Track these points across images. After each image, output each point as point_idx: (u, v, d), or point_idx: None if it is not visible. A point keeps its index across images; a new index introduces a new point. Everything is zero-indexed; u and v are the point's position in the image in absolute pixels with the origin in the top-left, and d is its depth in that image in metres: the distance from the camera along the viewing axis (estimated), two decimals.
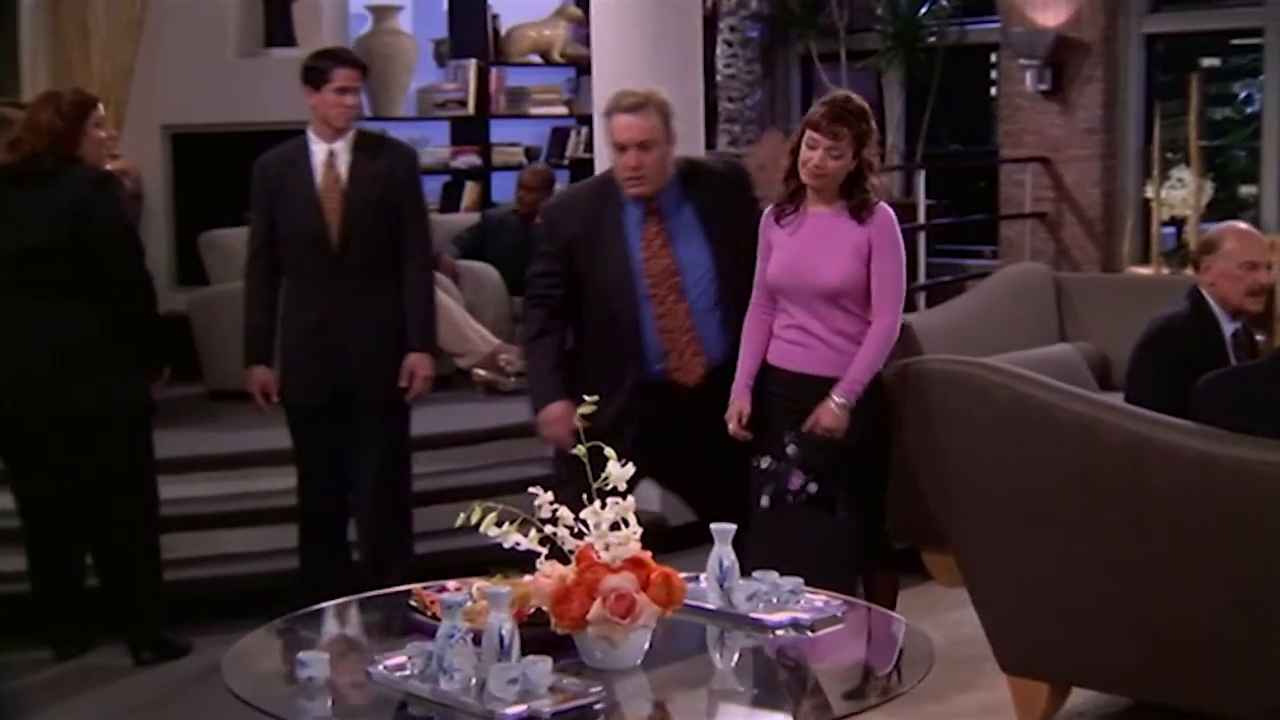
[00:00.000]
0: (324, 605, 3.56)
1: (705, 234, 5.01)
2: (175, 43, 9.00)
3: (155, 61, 8.99)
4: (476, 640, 2.99)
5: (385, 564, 5.68)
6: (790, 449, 4.84)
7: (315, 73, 5.76)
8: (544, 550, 3.13)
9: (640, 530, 3.09)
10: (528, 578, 3.17)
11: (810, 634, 3.34)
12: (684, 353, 4.98)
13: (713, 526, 3.44)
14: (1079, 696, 4.88)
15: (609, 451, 3.14)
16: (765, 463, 4.88)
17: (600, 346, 5.04)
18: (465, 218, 10.34)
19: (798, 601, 3.41)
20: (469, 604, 3.11)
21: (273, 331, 5.81)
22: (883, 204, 4.85)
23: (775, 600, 3.39)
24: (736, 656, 3.40)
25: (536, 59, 11.55)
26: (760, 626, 3.34)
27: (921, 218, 10.63)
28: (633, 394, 4.95)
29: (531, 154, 11.44)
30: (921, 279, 10.50)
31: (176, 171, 9.30)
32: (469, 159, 11.15)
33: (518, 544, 3.10)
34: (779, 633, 3.34)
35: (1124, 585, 4.36)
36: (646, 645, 3.08)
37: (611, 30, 7.56)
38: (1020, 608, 4.69)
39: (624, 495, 3.10)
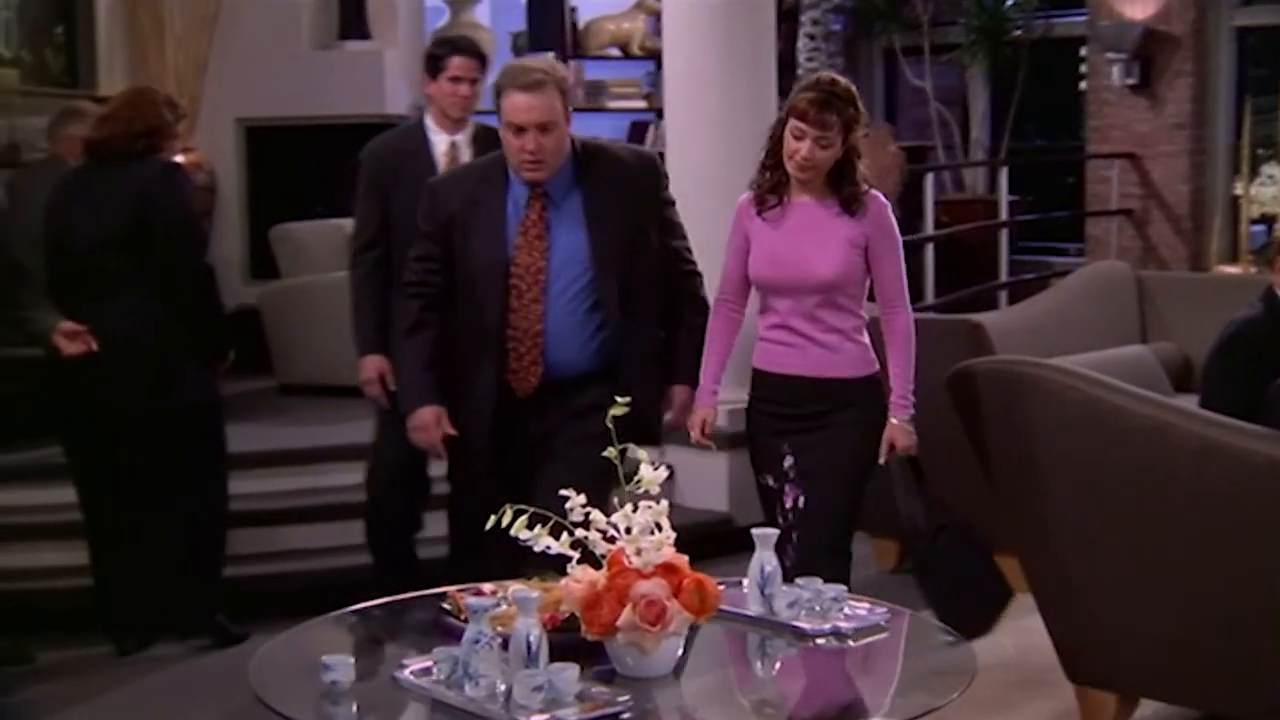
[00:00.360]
0: (357, 606, 3.50)
1: (589, 229, 4.47)
2: (249, 36, 9.03)
3: (229, 55, 9.01)
4: (507, 646, 2.92)
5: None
6: (788, 461, 4.52)
7: (432, 60, 5.64)
8: (575, 554, 3.04)
9: (674, 535, 2.99)
10: (563, 582, 3.08)
11: (852, 643, 3.23)
12: (524, 356, 4.47)
13: (754, 531, 3.34)
14: (1148, 708, 4.75)
15: (642, 454, 3.04)
16: (769, 480, 4.58)
17: (463, 341, 4.56)
18: None
19: (840, 609, 3.30)
20: (498, 609, 3.03)
21: (384, 322, 5.56)
22: (874, 193, 4.52)
23: (817, 608, 3.28)
24: (775, 665, 3.29)
25: (615, 52, 11.46)
26: (801, 635, 3.24)
27: (1004, 214, 10.48)
28: (489, 398, 4.51)
29: None
30: (1003, 276, 10.35)
31: (250, 165, 9.31)
32: None
33: (548, 547, 3.02)
34: (820, 641, 3.23)
35: (1193, 593, 4.25)
36: (679, 652, 2.99)
37: (682, 22, 7.49)
38: (1086, 615, 4.57)
39: (657, 499, 3.01)
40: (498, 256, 4.42)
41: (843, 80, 4.46)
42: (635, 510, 2.99)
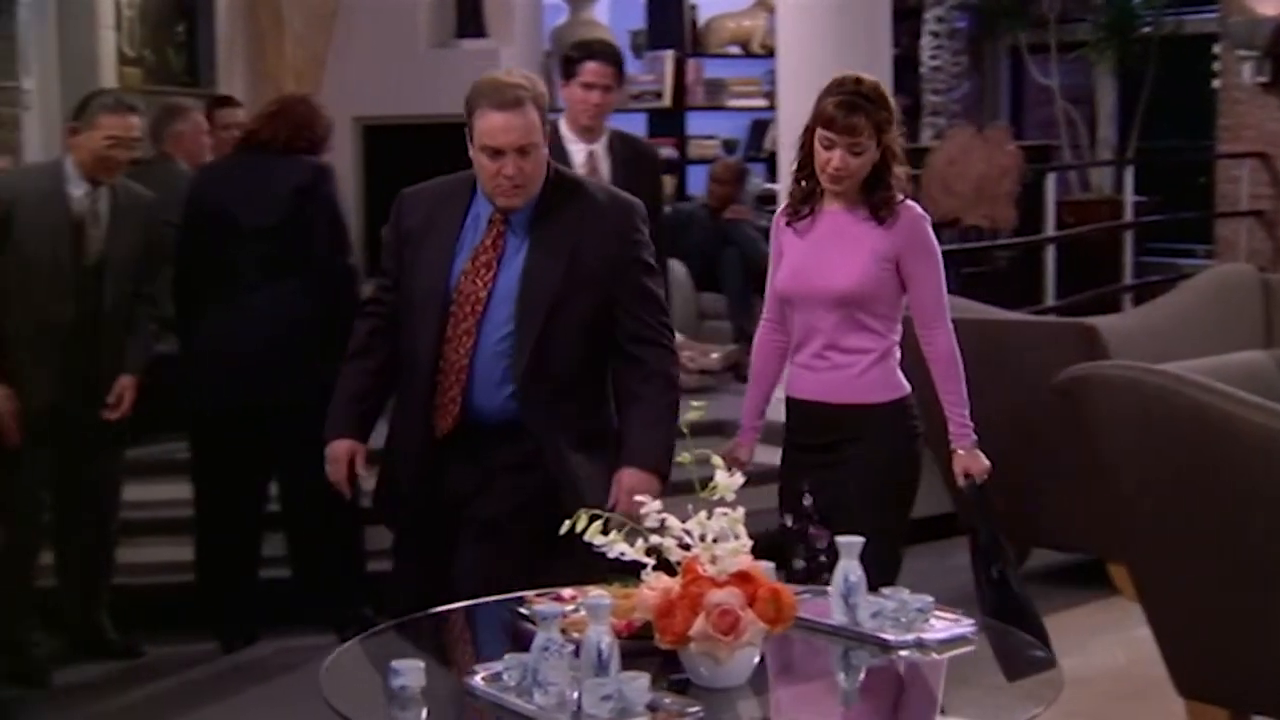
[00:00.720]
0: (440, 610, 3.47)
1: (538, 266, 4.00)
2: (367, 34, 9.07)
3: (347, 53, 9.06)
4: (580, 653, 2.87)
5: None
6: (806, 500, 4.23)
7: (567, 63, 5.56)
8: (651, 561, 2.99)
9: (750, 543, 2.93)
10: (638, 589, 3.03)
11: (936, 655, 3.15)
12: (447, 392, 4.02)
13: (839, 540, 3.26)
14: None
15: (716, 459, 2.98)
16: (790, 521, 4.29)
17: (402, 370, 4.17)
18: None
19: (926, 621, 3.21)
20: (568, 615, 2.98)
21: None
22: (909, 201, 4.21)
23: (902, 619, 3.20)
24: (858, 676, 3.22)
25: (736, 50, 11.42)
26: (884, 646, 3.16)
27: (1129, 215, 10.30)
28: (415, 435, 4.09)
29: (730, 147, 11.31)
30: (1128, 278, 10.17)
31: (367, 163, 9.35)
32: (665, 151, 11.04)
33: (622, 554, 2.96)
34: (903, 653, 3.15)
35: None
36: (754, 663, 2.92)
37: (796, 19, 7.43)
38: (1196, 628, 4.46)
39: (733, 506, 2.94)
40: (440, 281, 4.02)
41: (869, 78, 4.17)
42: (710, 517, 2.92)
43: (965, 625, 3.24)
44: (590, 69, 5.43)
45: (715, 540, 2.91)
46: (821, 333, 4.21)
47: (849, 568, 3.24)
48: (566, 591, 3.31)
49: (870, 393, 4.22)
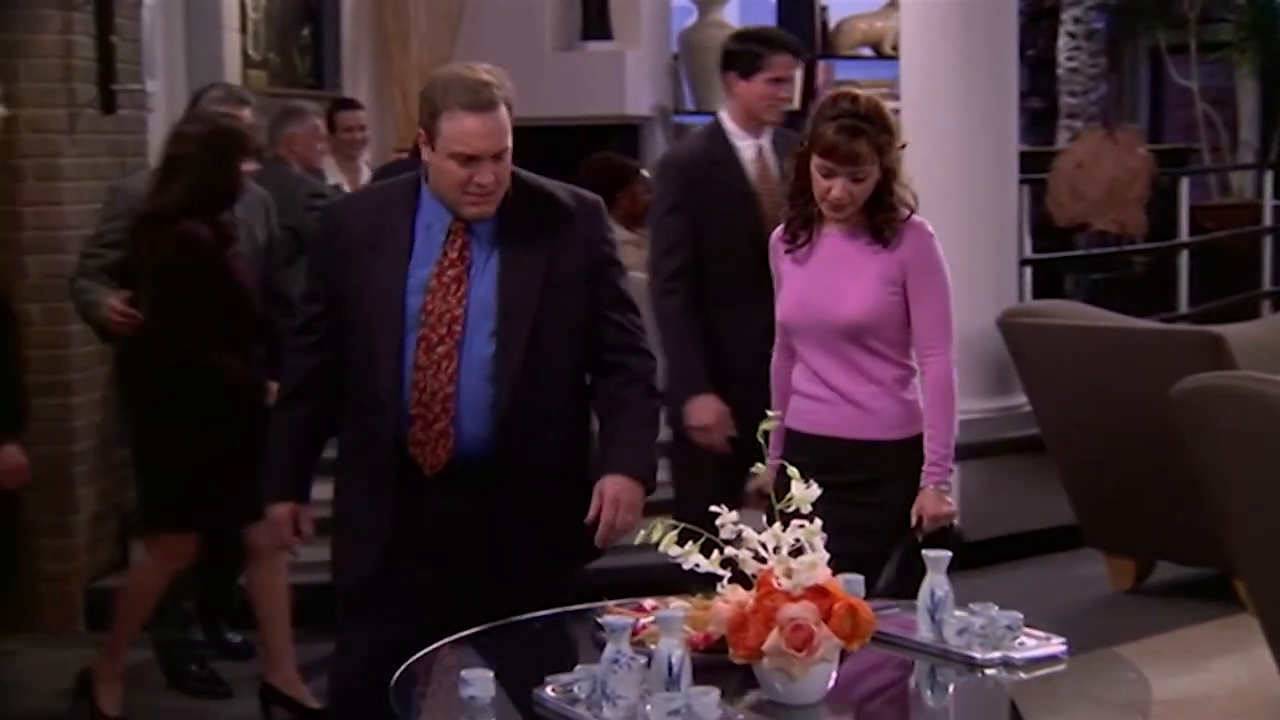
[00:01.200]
0: (516, 619, 3.43)
1: (514, 277, 3.63)
2: (492, 36, 9.08)
3: (473, 55, 8.94)
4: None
5: None
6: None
7: (746, 58, 5.16)
8: (726, 573, 2.93)
9: (827, 556, 2.86)
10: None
11: (1023, 674, 3.05)
12: (432, 425, 3.59)
13: (926, 553, 3.17)
14: None
15: (792, 471, 2.91)
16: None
17: (359, 412, 3.72)
18: None
19: (1015, 639, 3.11)
20: (646, 626, 2.94)
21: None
22: (915, 219, 3.95)
23: (989, 636, 3.11)
24: (934, 696, 3.13)
25: (867, 52, 11.30)
26: (969, 664, 3.07)
27: (1268, 219, 10.05)
28: (384, 482, 3.64)
29: None
30: (1266, 284, 9.92)
31: None
32: None
33: (697, 565, 2.91)
34: (988, 672, 3.06)
35: None
36: (831, 680, 2.85)
37: (921, 20, 7.33)
38: None
39: (809, 518, 2.87)
40: (398, 302, 3.58)
41: (864, 95, 3.92)
42: (785, 529, 2.86)
43: (1056, 644, 3.14)
44: (780, 62, 5.14)
45: (791, 553, 2.85)
46: (833, 364, 3.97)
47: (936, 582, 3.16)
48: (648, 602, 3.26)
49: (888, 427, 3.97)
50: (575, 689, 2.86)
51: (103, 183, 6.30)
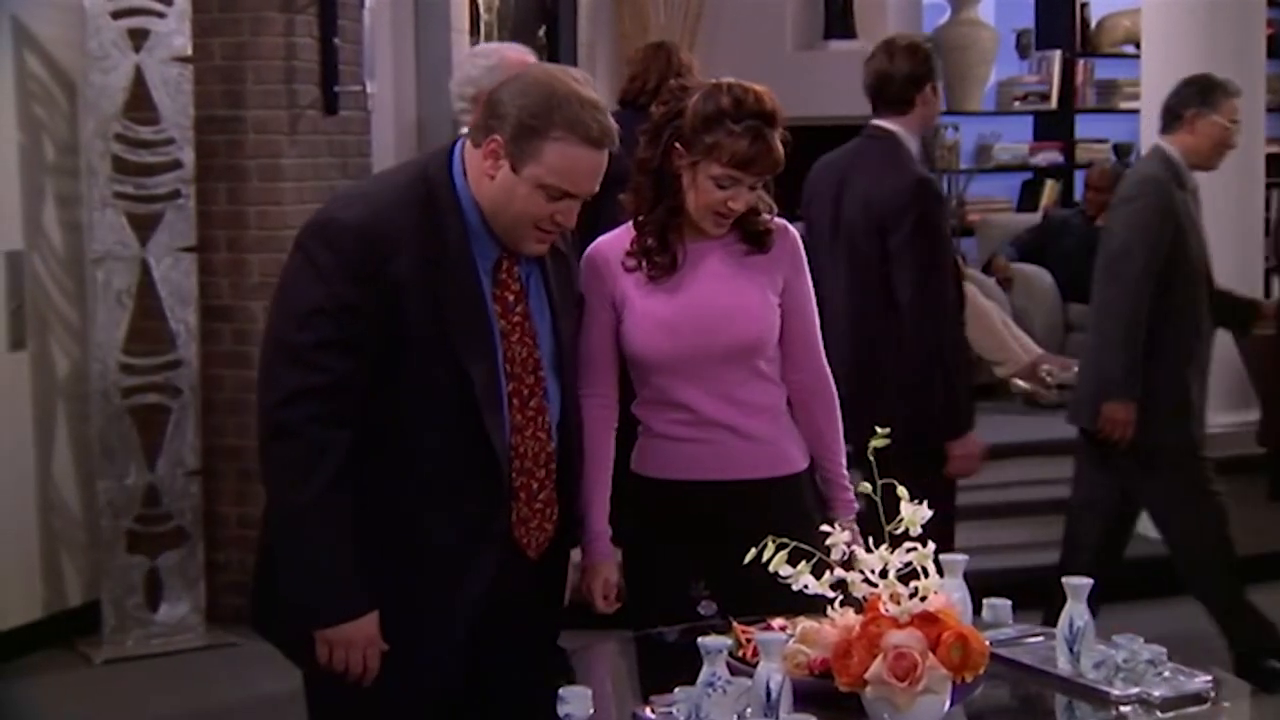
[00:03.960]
0: (645, 631, 3.33)
1: (562, 317, 3.25)
2: (732, 35, 9.00)
3: (713, 55, 8.96)
4: None
5: None
6: (704, 608, 3.30)
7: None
8: (838, 595, 2.79)
9: (939, 580, 2.70)
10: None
11: (1160, 714, 2.84)
12: (536, 497, 3.16)
13: (1065, 581, 2.98)
14: None
15: (901, 491, 2.74)
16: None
17: (438, 483, 3.07)
18: (1030, 218, 9.88)
19: (1158, 674, 2.90)
20: (737, 647, 2.83)
21: None
22: (781, 221, 3.51)
23: (1128, 671, 2.90)
24: None
25: (1130, 50, 10.88)
26: (1103, 700, 2.87)
27: None
28: (483, 578, 3.10)
29: (1123, 151, 10.80)
30: None
31: None
32: (1050, 155, 10.66)
33: (806, 586, 2.77)
34: (1124, 709, 2.85)
35: None
36: (943, 712, 2.69)
37: (1162, 15, 7.05)
38: None
39: (923, 541, 2.72)
40: (489, 349, 3.07)
41: (760, 89, 3.42)
42: (893, 552, 2.71)
43: (1199, 681, 2.92)
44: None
45: (901, 578, 2.70)
46: (711, 394, 3.43)
47: (1075, 612, 2.97)
48: (776, 621, 3.13)
49: (786, 460, 3.52)
50: (674, 710, 2.76)
51: (324, 183, 6.42)
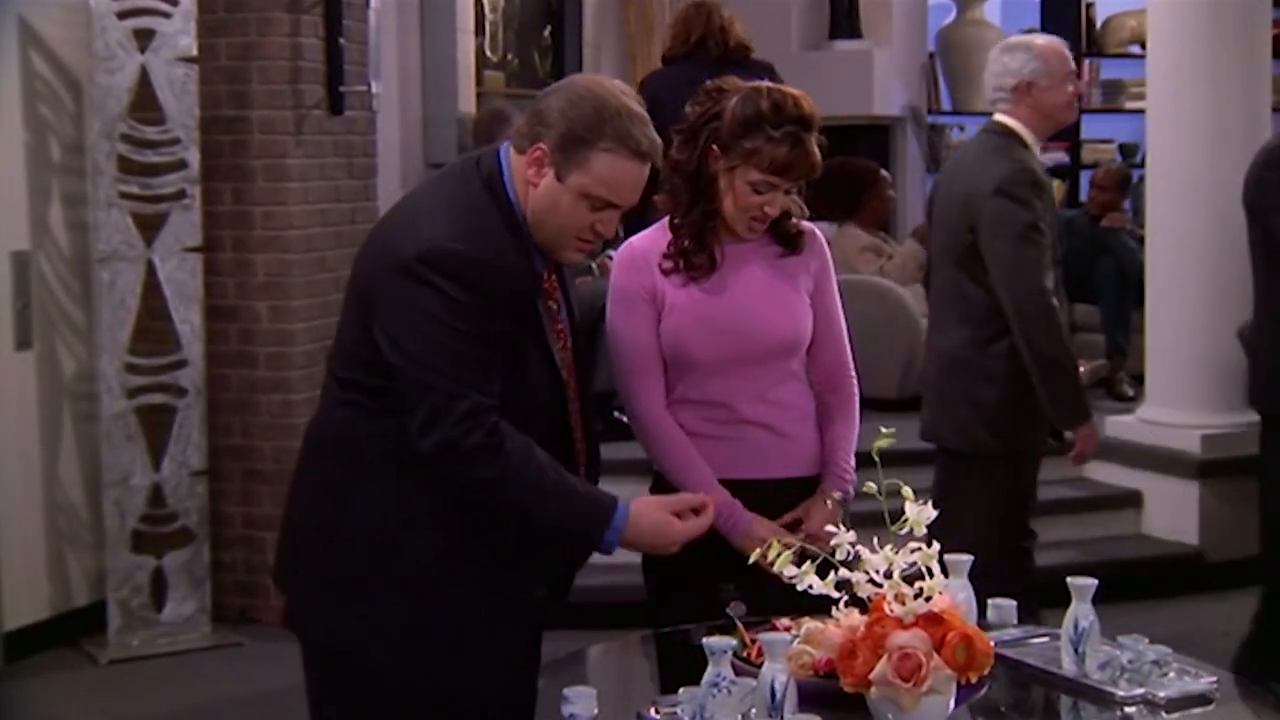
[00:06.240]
0: (662, 630, 3.33)
1: (576, 330, 3.26)
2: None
3: None
4: None
5: None
6: (733, 609, 3.07)
7: None
8: (843, 595, 2.79)
9: (944, 581, 2.69)
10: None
11: (1165, 714, 2.84)
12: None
13: (1070, 581, 2.98)
14: None
15: (906, 491, 2.74)
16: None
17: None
18: None
19: (1163, 674, 2.91)
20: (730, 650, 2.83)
21: None
22: (808, 225, 3.56)
23: (1134, 671, 2.90)
24: None
25: (1136, 50, 10.89)
26: (1106, 700, 2.87)
27: None
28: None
29: (1128, 151, 10.81)
30: None
31: None
32: (1055, 156, 10.64)
33: (810, 586, 2.77)
34: (1128, 710, 2.85)
35: None
36: (948, 712, 2.69)
37: (1168, 15, 7.04)
38: None
39: (927, 541, 2.72)
40: (556, 376, 3.14)
41: (798, 94, 3.39)
42: (898, 552, 2.71)
43: (1204, 681, 2.92)
44: None
45: (906, 578, 2.70)
46: (747, 393, 3.49)
47: (1080, 612, 2.97)
48: (782, 621, 3.14)
49: (813, 461, 3.58)
50: (679, 711, 2.76)
51: (329, 183, 6.43)
